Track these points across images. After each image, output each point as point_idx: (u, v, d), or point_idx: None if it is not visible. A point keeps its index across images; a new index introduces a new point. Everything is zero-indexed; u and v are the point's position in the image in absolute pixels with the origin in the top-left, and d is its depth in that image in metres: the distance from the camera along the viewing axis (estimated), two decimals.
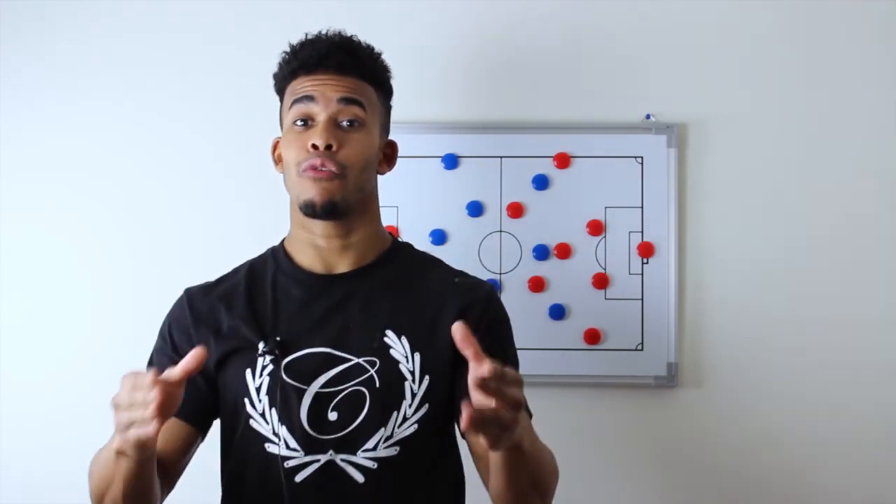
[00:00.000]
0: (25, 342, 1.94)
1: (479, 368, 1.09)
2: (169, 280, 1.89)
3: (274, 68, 1.49)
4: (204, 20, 1.95)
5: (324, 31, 1.46)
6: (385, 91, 1.49)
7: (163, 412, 1.13)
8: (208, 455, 1.46)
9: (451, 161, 1.92)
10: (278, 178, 1.58)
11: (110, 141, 1.95)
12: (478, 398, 1.09)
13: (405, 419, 1.37)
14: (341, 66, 1.41)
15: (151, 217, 1.94)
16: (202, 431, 1.44)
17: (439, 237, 1.91)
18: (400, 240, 1.55)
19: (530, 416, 1.46)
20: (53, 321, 1.94)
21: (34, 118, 1.96)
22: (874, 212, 1.92)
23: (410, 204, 1.92)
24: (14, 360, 1.94)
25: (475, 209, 1.92)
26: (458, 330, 1.12)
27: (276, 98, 1.50)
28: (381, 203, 1.87)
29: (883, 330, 1.91)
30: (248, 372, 1.39)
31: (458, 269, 1.52)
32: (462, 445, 1.46)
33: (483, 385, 1.08)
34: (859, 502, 1.90)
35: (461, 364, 1.37)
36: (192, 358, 1.16)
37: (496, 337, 1.44)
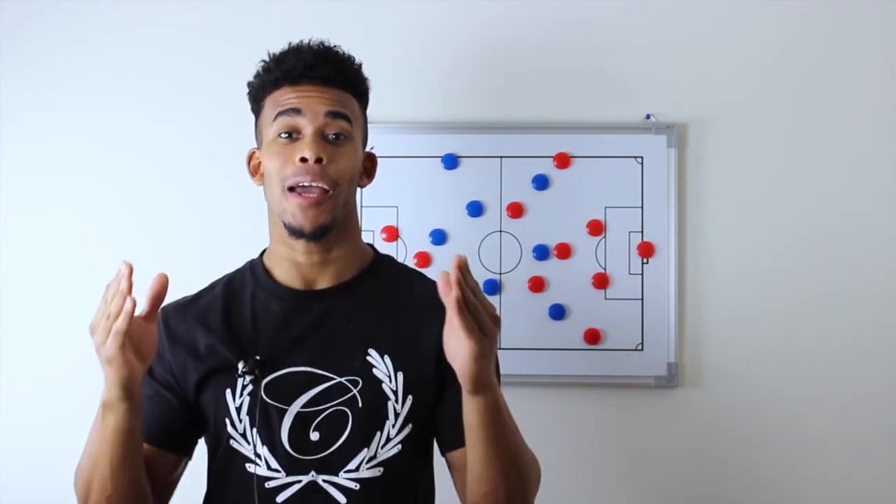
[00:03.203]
0: (25, 342, 1.95)
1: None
2: (169, 280, 1.90)
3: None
4: (204, 20, 1.95)
5: (305, 41, 1.43)
6: (365, 102, 1.47)
7: (137, 348, 1.19)
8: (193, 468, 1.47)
9: (451, 161, 1.92)
10: None
11: (110, 142, 1.96)
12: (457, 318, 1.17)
13: (388, 440, 1.35)
14: (326, 78, 1.38)
15: (151, 217, 1.95)
16: (186, 455, 1.43)
17: (439, 237, 1.91)
18: (381, 253, 1.51)
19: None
20: (53, 321, 1.95)
21: (33, 119, 1.96)
22: (874, 211, 1.92)
23: (410, 204, 1.92)
24: (12, 361, 1.95)
25: (475, 209, 1.92)
26: (440, 280, 1.17)
27: None
28: (381, 203, 1.90)
29: (883, 330, 1.91)
30: (228, 392, 1.37)
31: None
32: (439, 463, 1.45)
33: (462, 280, 1.16)
34: (858, 502, 1.90)
35: (444, 383, 1.38)
36: (156, 284, 1.22)
37: None
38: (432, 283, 1.47)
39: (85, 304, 1.92)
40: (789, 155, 1.92)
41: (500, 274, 1.92)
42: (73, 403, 1.93)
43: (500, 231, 1.93)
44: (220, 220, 1.94)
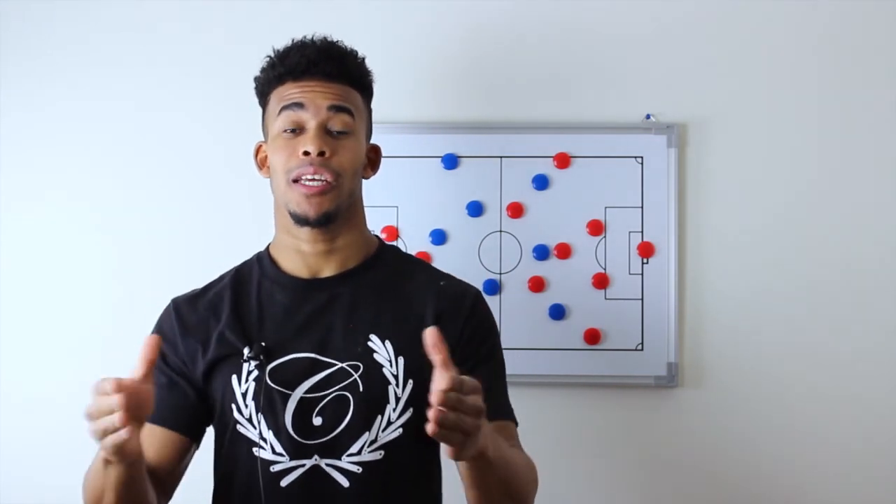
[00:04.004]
0: (26, 342, 1.95)
1: (441, 379, 1.14)
2: (172, 281, 1.91)
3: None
4: (210, 17, 1.96)
5: (309, 37, 1.45)
6: (369, 95, 1.49)
7: (133, 415, 1.13)
8: (200, 457, 1.48)
9: (451, 161, 1.92)
10: None
11: (114, 140, 1.96)
12: (439, 408, 1.13)
13: (389, 423, 1.37)
14: (329, 73, 1.41)
15: (155, 218, 1.95)
16: (194, 440, 1.45)
17: (439, 237, 1.91)
18: (387, 243, 1.55)
19: (516, 423, 1.45)
20: (55, 321, 1.95)
21: (38, 116, 1.96)
22: (875, 211, 1.92)
23: (410, 204, 1.92)
24: (13, 362, 1.95)
25: (475, 209, 1.92)
26: (429, 335, 1.16)
27: None
28: (381, 203, 1.90)
29: (884, 330, 1.91)
30: (234, 377, 1.40)
31: (448, 272, 1.52)
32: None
33: (443, 396, 1.12)
34: (857, 501, 1.90)
35: None
36: (148, 348, 1.19)
37: (480, 344, 1.43)
38: (436, 273, 1.50)
39: (88, 303, 1.94)
40: (789, 154, 1.92)
41: (500, 274, 1.92)
42: (73, 403, 1.94)
43: (500, 231, 1.93)
44: (224, 217, 1.94)
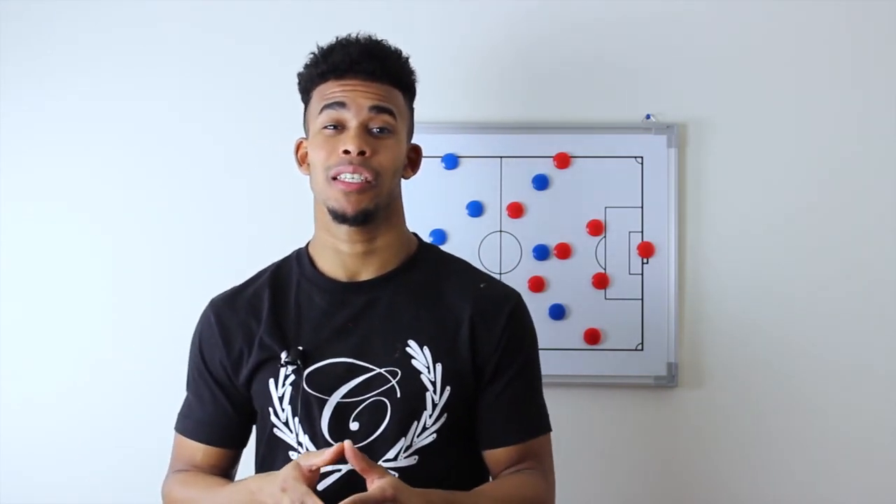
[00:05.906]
0: (26, 342, 1.95)
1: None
2: (172, 281, 1.91)
3: (292, 68, 1.48)
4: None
5: (353, 35, 1.45)
6: (411, 95, 1.49)
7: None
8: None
9: (451, 161, 1.92)
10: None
11: (114, 140, 1.96)
12: None
13: (424, 429, 1.37)
14: (371, 73, 1.40)
15: (155, 218, 1.95)
16: (241, 447, 1.49)
17: (439, 237, 1.91)
18: (426, 242, 1.54)
19: (548, 431, 1.48)
20: (55, 321, 1.95)
21: (38, 116, 1.96)
22: (875, 210, 1.92)
23: (410, 204, 1.88)
24: (13, 362, 1.95)
25: (475, 209, 1.92)
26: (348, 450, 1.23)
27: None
28: None
29: (884, 329, 1.91)
30: (272, 381, 1.40)
31: (486, 273, 1.52)
32: None
33: None
34: (858, 501, 1.90)
35: (480, 381, 1.41)
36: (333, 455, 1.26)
37: (517, 353, 1.43)
38: (476, 275, 1.49)
39: (87, 302, 1.94)
40: (789, 154, 1.92)
41: (500, 274, 1.92)
42: (74, 404, 1.94)
43: (500, 231, 1.93)
44: (224, 217, 1.94)
